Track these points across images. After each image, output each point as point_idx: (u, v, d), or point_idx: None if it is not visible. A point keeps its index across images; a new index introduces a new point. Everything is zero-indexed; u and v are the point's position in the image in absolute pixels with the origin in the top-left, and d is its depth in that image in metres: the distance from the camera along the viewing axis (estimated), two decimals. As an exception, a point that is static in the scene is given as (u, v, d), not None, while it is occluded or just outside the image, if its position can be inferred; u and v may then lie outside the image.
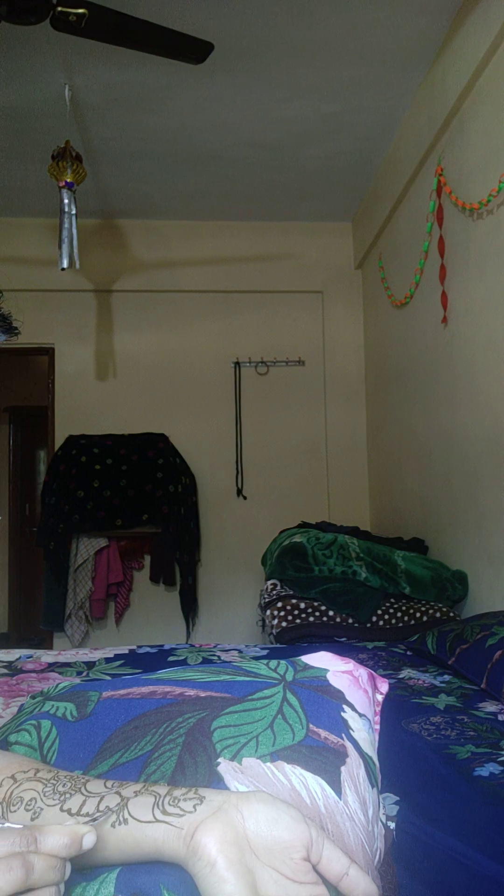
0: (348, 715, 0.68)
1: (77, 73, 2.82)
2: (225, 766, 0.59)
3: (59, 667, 1.94)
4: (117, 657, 2.05)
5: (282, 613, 2.73)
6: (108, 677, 1.82)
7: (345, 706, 0.68)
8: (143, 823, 0.48)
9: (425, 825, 1.05)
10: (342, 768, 0.61)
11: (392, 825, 1.08)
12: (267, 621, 2.82)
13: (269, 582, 2.97)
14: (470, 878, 0.92)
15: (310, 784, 0.59)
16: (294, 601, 2.78)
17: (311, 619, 2.71)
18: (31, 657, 2.05)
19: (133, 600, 4.19)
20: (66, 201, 2.75)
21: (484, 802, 1.13)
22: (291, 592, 2.86)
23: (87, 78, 2.86)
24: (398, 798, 1.14)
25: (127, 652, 2.13)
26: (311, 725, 0.64)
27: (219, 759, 0.60)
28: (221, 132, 3.31)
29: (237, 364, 4.32)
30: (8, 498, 5.99)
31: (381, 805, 0.67)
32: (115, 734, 0.65)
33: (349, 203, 4.14)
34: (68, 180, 2.76)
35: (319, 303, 4.40)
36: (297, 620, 2.71)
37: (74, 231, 2.75)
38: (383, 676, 1.93)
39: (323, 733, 0.64)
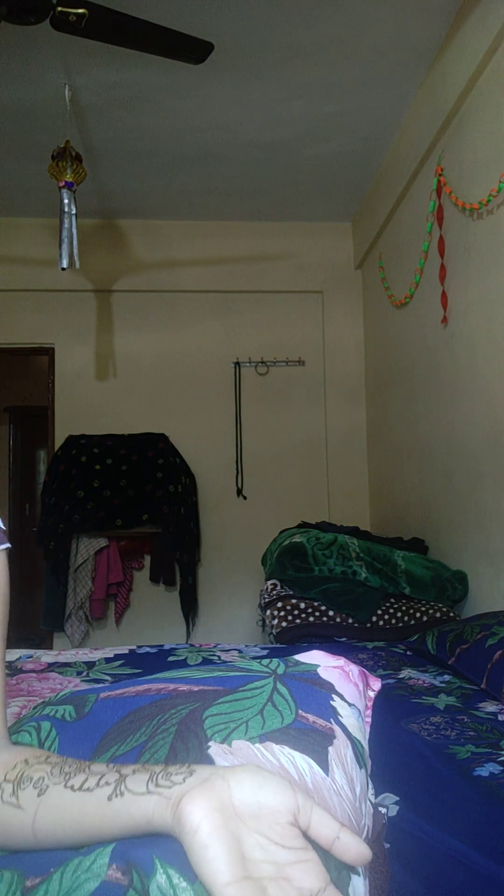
0: (337, 703, 0.69)
1: (77, 73, 2.82)
2: (215, 749, 0.61)
3: (59, 667, 1.94)
4: (117, 657, 2.05)
5: (282, 613, 2.73)
6: (108, 677, 1.82)
7: (334, 696, 0.70)
8: (137, 795, 0.50)
9: (425, 824, 1.05)
10: (329, 748, 0.63)
11: (383, 810, 1.08)
12: (267, 621, 2.82)
13: (269, 582, 2.97)
14: (469, 878, 0.92)
15: (297, 762, 0.60)
16: (294, 601, 2.78)
17: (311, 619, 2.71)
18: (31, 657, 2.05)
19: (133, 600, 4.19)
20: (66, 201, 2.75)
21: (483, 802, 1.14)
22: (291, 592, 2.86)
23: (87, 78, 2.86)
24: (398, 798, 1.14)
25: (127, 652, 2.12)
26: (300, 711, 0.66)
27: (209, 743, 0.62)
28: (221, 132, 3.31)
29: (237, 364, 4.32)
30: (8, 498, 5.99)
31: (369, 785, 0.68)
32: (111, 729, 0.67)
33: (349, 203, 4.14)
34: (68, 180, 2.76)
35: (319, 303, 4.40)
36: (297, 620, 2.71)
37: (74, 231, 2.75)
38: (383, 676, 1.93)
39: (311, 717, 0.65)
